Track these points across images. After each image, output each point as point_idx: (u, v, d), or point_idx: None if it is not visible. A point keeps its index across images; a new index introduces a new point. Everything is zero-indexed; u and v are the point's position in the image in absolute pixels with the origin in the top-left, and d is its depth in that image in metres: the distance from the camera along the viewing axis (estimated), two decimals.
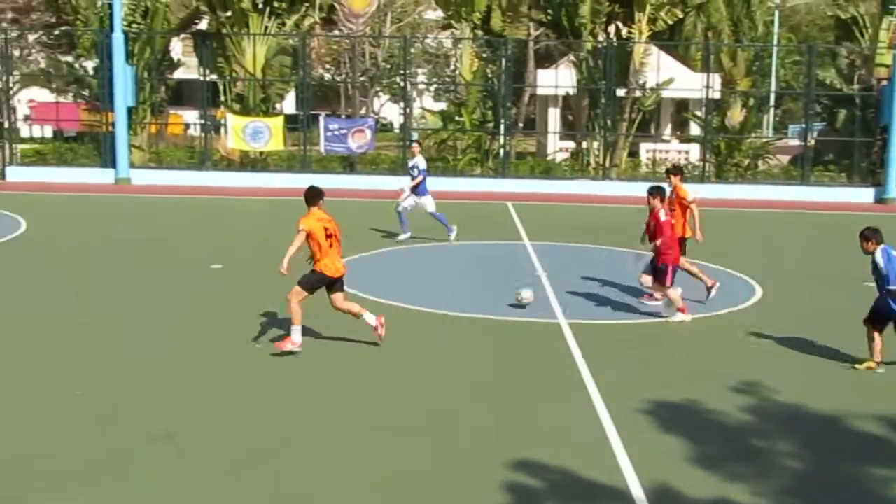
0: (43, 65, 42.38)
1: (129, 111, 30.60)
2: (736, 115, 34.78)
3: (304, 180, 29.80)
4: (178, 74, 38.52)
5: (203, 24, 35.34)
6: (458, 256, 18.72)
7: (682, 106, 39.09)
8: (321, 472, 7.94)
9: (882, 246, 10.85)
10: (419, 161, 19.59)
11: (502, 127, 32.29)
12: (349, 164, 32.23)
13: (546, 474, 7.92)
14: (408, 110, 32.87)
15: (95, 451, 8.20)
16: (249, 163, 32.48)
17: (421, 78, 54.52)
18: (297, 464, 8.06)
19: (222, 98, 33.36)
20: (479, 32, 34.04)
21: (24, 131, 43.93)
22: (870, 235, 10.95)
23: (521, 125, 37.26)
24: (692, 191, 14.91)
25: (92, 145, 33.27)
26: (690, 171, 32.00)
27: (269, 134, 30.85)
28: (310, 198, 11.15)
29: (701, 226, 14.47)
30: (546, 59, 40.80)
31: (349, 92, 37.86)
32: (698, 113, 34.53)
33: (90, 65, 35.39)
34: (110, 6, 29.91)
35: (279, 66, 32.56)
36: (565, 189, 30.45)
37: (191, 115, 44.60)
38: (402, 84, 34.67)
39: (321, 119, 32.20)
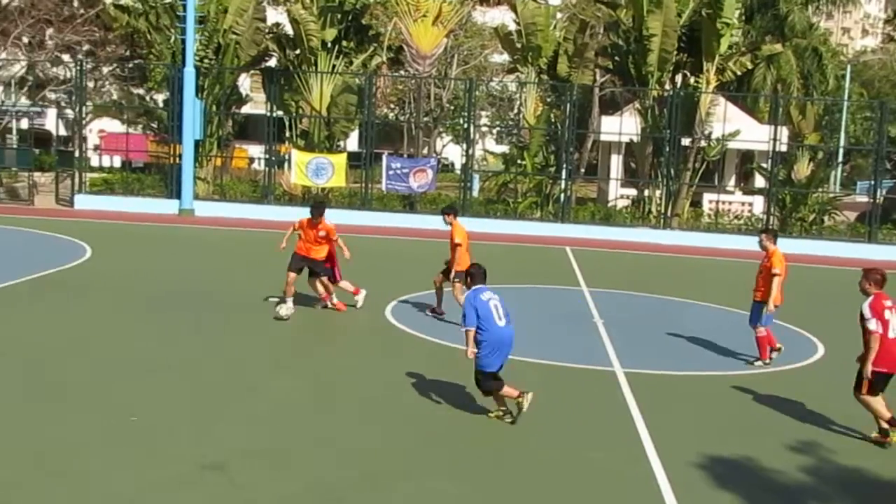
0: (115, 96, 43.36)
1: (196, 144, 31.13)
2: (803, 168, 34.32)
3: (363, 217, 30.36)
4: (246, 109, 39.14)
5: (272, 62, 35.91)
6: (514, 300, 18.53)
7: (747, 157, 38.70)
8: None
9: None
10: None
11: (564, 172, 32.18)
12: (409, 203, 32.36)
13: None
14: (470, 152, 32.94)
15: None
16: (311, 198, 32.71)
17: (484, 120, 54.74)
18: None
19: (287, 134, 33.88)
20: (545, 77, 34.11)
21: (94, 161, 45.00)
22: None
23: (582, 170, 37.15)
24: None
25: (158, 176, 33.90)
26: (754, 224, 31.57)
27: (331, 170, 31.13)
28: None
29: None
30: (611, 106, 40.77)
31: (412, 132, 38.12)
32: (764, 165, 33.97)
33: (160, 98, 36.20)
34: (183, 42, 30.56)
35: (345, 104, 32.90)
36: (625, 237, 30.29)
37: (255, 150, 45.31)
38: (465, 126, 34.75)
39: (384, 158, 32.46)
